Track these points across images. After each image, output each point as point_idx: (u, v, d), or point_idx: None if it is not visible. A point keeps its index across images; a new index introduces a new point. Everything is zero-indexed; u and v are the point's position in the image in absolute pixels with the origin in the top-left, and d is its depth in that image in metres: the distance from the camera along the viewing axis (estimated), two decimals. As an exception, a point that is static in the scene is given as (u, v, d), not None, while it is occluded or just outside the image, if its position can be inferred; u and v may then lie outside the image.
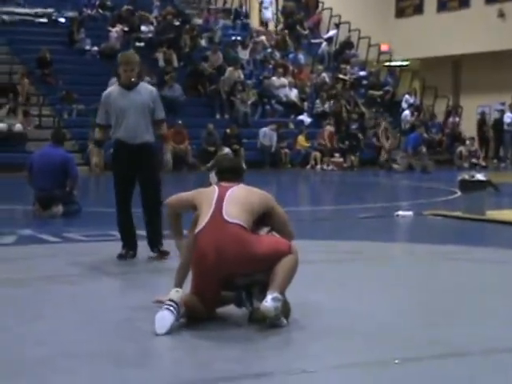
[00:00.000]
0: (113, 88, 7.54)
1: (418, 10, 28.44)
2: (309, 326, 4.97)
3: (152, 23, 25.65)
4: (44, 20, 24.93)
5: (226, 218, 4.92)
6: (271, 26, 29.96)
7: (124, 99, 7.29)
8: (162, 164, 7.67)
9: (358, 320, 5.13)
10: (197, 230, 4.98)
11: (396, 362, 4.25)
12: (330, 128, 23.35)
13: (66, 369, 4.09)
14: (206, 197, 5.11)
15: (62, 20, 25.08)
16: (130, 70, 7.32)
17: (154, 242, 7.40)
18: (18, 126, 19.84)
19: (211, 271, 4.87)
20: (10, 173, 17.09)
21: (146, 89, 7.48)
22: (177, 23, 25.90)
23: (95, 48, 23.93)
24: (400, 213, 11.23)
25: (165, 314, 4.71)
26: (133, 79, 7.35)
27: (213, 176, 5.47)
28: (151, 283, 6.45)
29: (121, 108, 7.28)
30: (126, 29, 24.85)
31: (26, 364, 4.18)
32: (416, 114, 25.69)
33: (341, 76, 26.52)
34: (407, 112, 25.63)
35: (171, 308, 4.73)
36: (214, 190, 5.14)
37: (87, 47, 24.03)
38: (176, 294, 4.86)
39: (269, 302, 4.72)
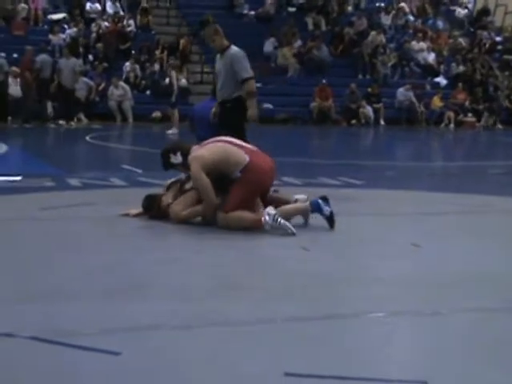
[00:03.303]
0: None
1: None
2: (436, 271, 4.85)
3: (303, -10, 25.45)
4: (208, -14, 25.13)
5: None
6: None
7: (217, 63, 7.63)
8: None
9: (488, 267, 4.95)
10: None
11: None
12: (464, 89, 22.69)
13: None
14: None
15: (225, -14, 25.24)
16: (211, 42, 7.57)
17: None
18: (183, 82, 20.17)
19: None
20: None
21: (229, 53, 7.47)
22: (326, -10, 25.67)
23: (252, 12, 24.05)
24: (529, 170, 10.78)
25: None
26: (213, 46, 7.57)
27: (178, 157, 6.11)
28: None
29: (216, 71, 7.67)
30: (280, -5, 24.79)
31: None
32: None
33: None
34: (540, 75, 24.51)
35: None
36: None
37: (245, 11, 24.16)
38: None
39: None
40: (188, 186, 6.10)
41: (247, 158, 5.89)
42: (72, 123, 18.18)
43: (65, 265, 4.77)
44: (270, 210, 5.78)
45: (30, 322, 3.60)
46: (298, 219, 6.07)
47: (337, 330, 3.68)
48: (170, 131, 16.36)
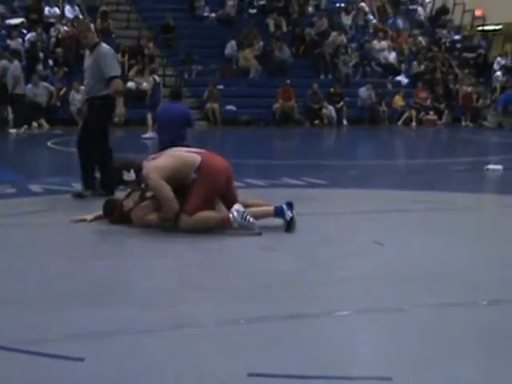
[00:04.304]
0: None
1: (512, -24, 27.33)
2: (399, 269, 4.89)
3: (264, -8, 25.51)
4: (168, -10, 25.07)
5: None
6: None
7: (86, 60, 7.75)
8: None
9: (449, 264, 5.00)
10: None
11: (484, 303, 4.13)
12: (425, 88, 22.94)
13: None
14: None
15: (184, -11, 25.17)
16: (83, 38, 7.76)
17: None
18: (145, 85, 20.08)
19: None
20: (138, 126, 17.37)
21: (98, 50, 7.56)
22: (286, -9, 25.75)
23: (213, 15, 24.00)
24: (490, 166, 10.89)
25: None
26: (85, 42, 7.73)
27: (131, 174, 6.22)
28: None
29: (84, 68, 7.75)
30: (240, -3, 24.79)
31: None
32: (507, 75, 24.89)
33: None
34: (498, 73, 24.90)
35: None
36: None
37: (206, 14, 24.10)
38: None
39: None
40: (149, 194, 6.06)
41: (199, 158, 5.90)
42: (22, 129, 17.83)
43: (25, 272, 4.71)
44: (239, 207, 5.76)
45: (-9, 330, 3.55)
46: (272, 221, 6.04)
47: (302, 329, 3.69)
48: (146, 135, 16.43)
